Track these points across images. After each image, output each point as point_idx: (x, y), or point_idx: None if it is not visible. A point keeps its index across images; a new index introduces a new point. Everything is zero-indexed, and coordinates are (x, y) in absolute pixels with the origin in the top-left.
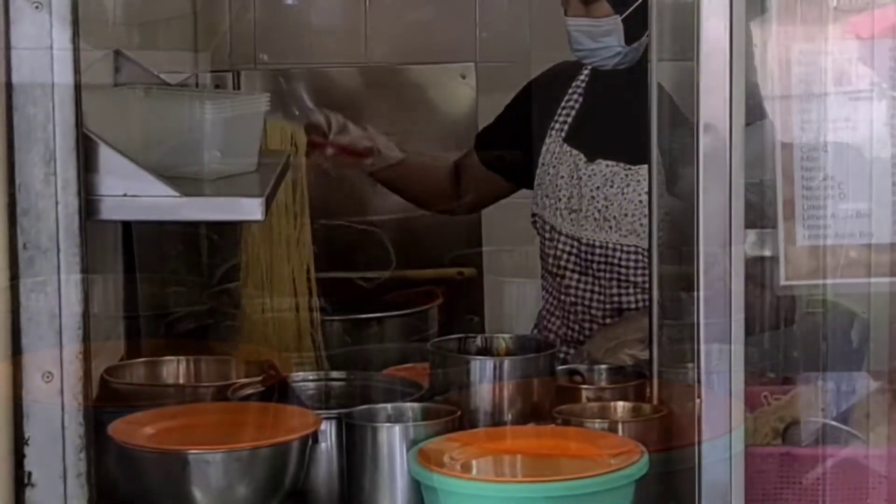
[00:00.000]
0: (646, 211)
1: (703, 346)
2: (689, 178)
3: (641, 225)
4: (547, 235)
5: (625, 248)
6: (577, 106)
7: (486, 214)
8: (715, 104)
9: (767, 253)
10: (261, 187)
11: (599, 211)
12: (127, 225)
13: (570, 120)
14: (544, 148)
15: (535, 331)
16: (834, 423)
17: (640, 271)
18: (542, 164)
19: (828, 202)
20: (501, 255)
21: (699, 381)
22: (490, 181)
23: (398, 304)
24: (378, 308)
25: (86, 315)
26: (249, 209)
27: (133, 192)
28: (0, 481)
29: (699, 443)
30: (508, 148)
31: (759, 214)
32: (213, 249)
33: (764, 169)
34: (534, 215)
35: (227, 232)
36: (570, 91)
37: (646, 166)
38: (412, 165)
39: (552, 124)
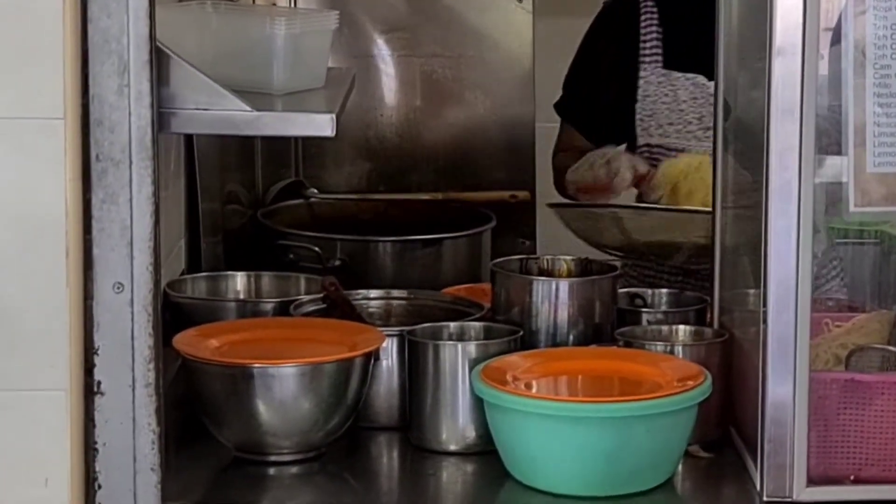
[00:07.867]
0: None
1: (770, 271)
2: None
3: None
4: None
5: None
6: (661, 33)
7: (540, 138)
8: (789, 27)
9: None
10: (330, 103)
11: None
12: (189, 142)
13: (661, 47)
14: (641, 80)
15: None
16: None
17: None
18: (647, 97)
19: None
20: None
21: (765, 306)
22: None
23: (451, 226)
24: (431, 230)
25: (156, 227)
26: (321, 125)
27: (204, 106)
28: (70, 389)
29: (763, 368)
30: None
31: (830, 140)
32: (267, 168)
33: (836, 94)
34: (646, 146)
35: (282, 151)
36: (642, 22)
37: None
38: None
39: (640, 58)
